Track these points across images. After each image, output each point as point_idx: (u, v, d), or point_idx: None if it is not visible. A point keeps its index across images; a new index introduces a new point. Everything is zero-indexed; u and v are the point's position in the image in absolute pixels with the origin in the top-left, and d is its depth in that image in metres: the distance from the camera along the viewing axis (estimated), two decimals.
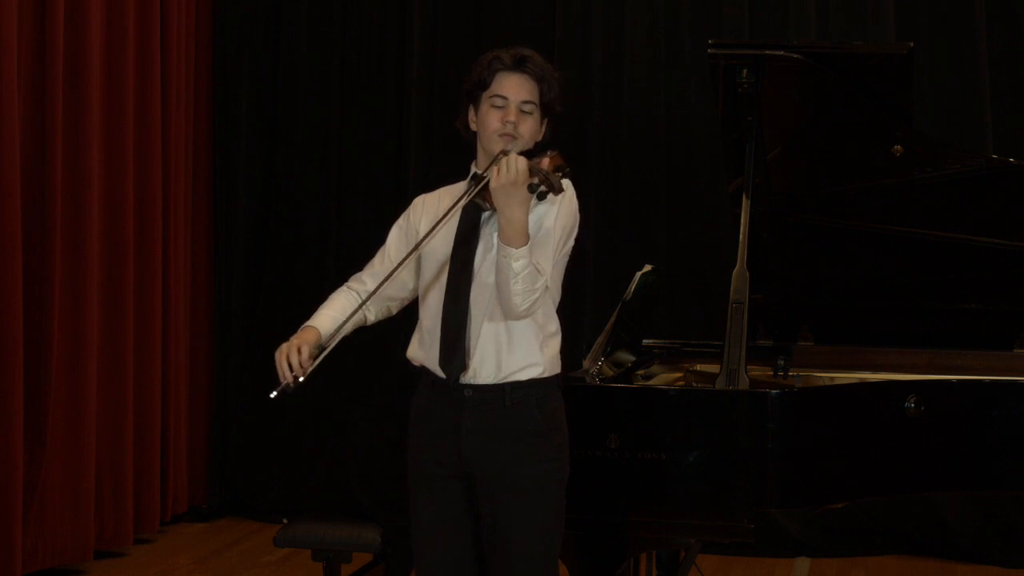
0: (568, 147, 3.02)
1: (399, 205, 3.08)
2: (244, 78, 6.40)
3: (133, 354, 5.59)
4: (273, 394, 2.72)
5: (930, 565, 5.49)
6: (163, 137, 5.82)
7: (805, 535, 5.60)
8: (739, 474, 3.26)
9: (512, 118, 2.87)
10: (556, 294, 2.96)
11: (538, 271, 2.78)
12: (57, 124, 5.06)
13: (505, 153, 2.76)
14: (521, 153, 2.77)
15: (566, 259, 2.96)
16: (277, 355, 2.77)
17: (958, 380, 3.60)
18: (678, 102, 5.90)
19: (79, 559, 5.23)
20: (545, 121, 2.95)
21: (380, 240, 3.11)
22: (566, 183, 2.86)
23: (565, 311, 3.02)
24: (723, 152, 4.20)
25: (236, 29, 6.40)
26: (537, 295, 2.79)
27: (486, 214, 2.89)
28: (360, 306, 2.96)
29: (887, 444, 3.39)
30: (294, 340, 2.81)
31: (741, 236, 3.67)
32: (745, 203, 3.71)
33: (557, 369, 2.95)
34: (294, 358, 2.75)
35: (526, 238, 2.74)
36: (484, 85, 2.91)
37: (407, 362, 3.02)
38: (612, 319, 3.92)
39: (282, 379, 2.74)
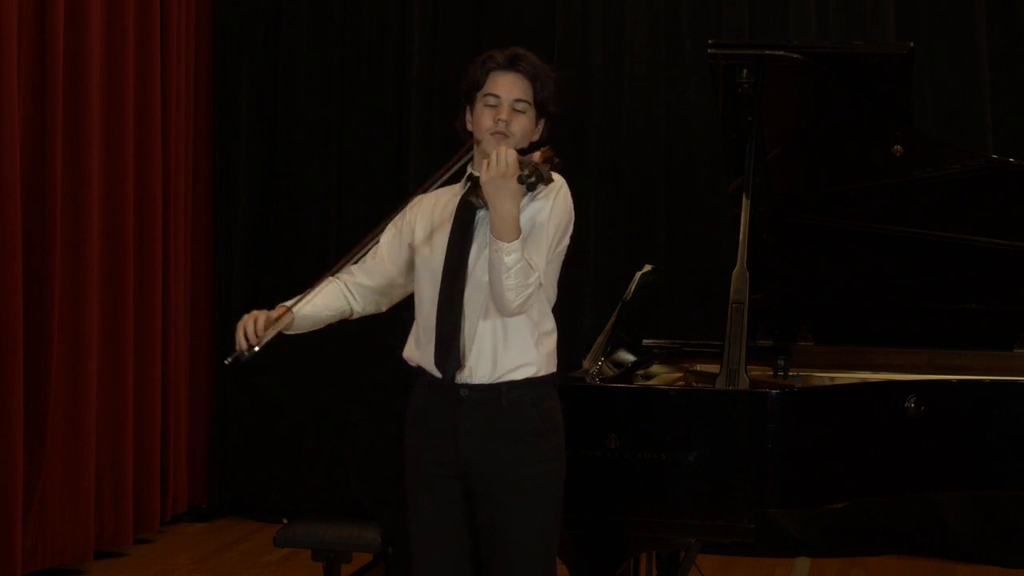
0: (568, 147, 3.02)
1: (399, 205, 3.07)
2: (244, 78, 6.39)
3: (133, 354, 5.58)
4: (227, 360, 2.85)
5: (930, 565, 5.49)
6: (163, 137, 5.82)
7: (805, 535, 5.60)
8: (739, 474, 3.25)
9: (504, 116, 2.86)
10: (552, 292, 2.95)
11: (531, 266, 2.78)
12: (57, 124, 5.06)
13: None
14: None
15: (561, 257, 2.95)
16: (237, 325, 2.86)
17: (958, 380, 3.59)
18: (678, 102, 5.89)
19: (79, 559, 5.22)
20: (541, 121, 2.95)
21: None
22: (559, 179, 2.87)
23: (564, 311, 3.02)
24: (723, 152, 4.19)
25: (236, 29, 6.40)
26: (530, 291, 2.79)
27: (480, 213, 2.88)
28: (327, 276, 2.98)
29: (887, 444, 3.39)
30: (255, 311, 2.88)
31: (741, 236, 3.67)
32: (745, 203, 3.71)
33: (553, 368, 2.95)
34: (250, 328, 2.84)
35: (517, 232, 2.75)
36: (478, 85, 2.91)
37: (404, 362, 3.02)
38: (612, 319, 3.92)
39: (237, 348, 2.84)
